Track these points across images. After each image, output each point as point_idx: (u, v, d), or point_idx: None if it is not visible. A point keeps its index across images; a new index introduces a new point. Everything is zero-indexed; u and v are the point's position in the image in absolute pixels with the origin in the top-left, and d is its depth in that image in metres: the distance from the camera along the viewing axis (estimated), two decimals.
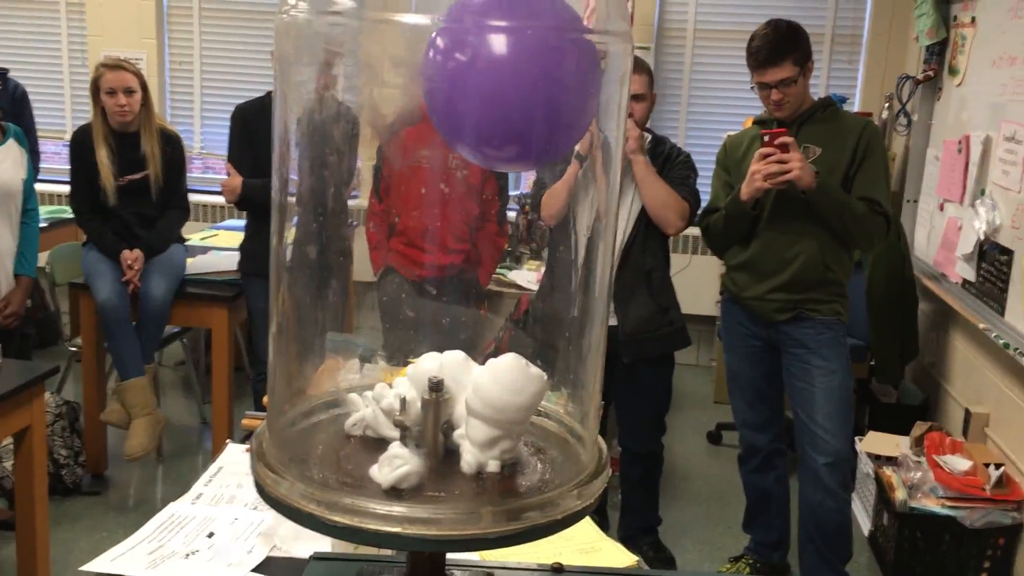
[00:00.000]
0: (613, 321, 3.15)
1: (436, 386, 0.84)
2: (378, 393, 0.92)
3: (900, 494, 3.34)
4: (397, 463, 0.80)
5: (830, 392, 2.91)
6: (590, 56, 0.92)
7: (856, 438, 3.76)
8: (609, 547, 1.63)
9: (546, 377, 0.89)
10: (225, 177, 3.62)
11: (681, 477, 4.19)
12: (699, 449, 4.56)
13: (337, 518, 0.62)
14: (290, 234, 1.03)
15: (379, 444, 0.85)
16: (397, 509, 0.62)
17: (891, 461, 3.63)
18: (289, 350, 0.81)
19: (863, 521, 3.69)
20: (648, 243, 3.12)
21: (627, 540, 3.42)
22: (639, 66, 3.03)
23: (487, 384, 0.88)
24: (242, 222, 4.15)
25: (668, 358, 3.28)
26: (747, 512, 3.36)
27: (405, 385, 0.93)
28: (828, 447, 2.90)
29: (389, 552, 1.39)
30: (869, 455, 3.69)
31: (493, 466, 0.85)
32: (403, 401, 0.86)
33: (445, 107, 0.93)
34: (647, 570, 0.86)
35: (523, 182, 4.15)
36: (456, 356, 0.92)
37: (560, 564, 0.82)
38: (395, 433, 0.87)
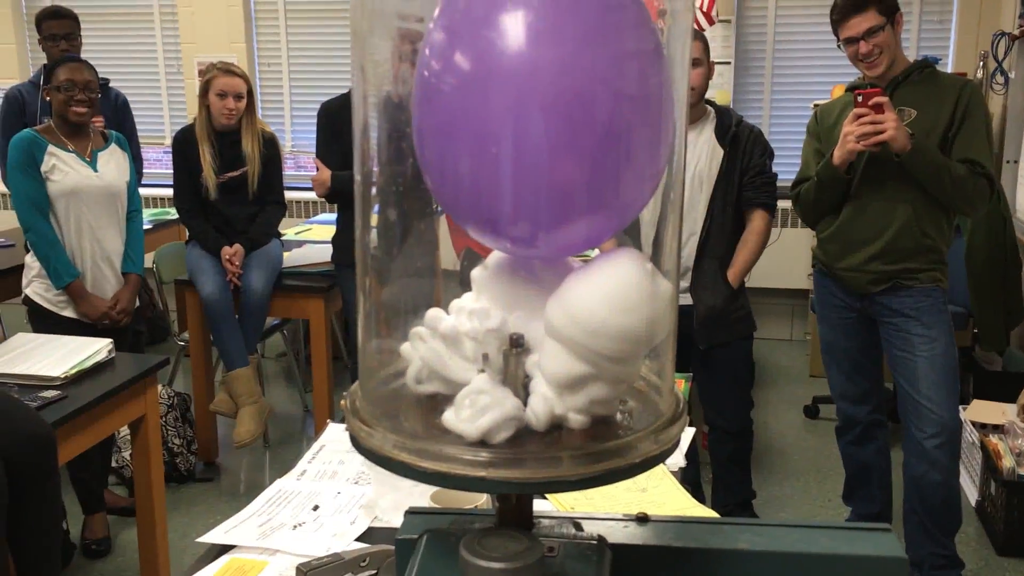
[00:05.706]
0: (688, 300, 3.14)
1: (517, 341, 0.69)
2: (432, 319, 0.73)
3: (1007, 462, 3.25)
4: (483, 401, 0.66)
5: (933, 361, 2.81)
6: (650, 35, 0.70)
7: (960, 407, 3.65)
8: (702, 513, 1.64)
9: (674, 293, 0.69)
10: (314, 172, 3.73)
11: (778, 452, 4.14)
12: (796, 423, 4.50)
13: (426, 464, 0.65)
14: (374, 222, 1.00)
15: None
16: (483, 454, 0.65)
17: (997, 429, 3.53)
18: (377, 331, 0.79)
19: (970, 491, 3.59)
20: (724, 228, 3.12)
21: (723, 516, 3.42)
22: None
23: (580, 291, 0.66)
24: (334, 216, 4.27)
25: (745, 336, 3.26)
26: (847, 484, 3.31)
27: (468, 297, 0.74)
28: (933, 418, 2.80)
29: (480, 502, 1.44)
30: (974, 424, 3.59)
31: (576, 421, 0.68)
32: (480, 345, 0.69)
33: (437, 163, 0.71)
34: (732, 518, 0.85)
35: None
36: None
37: (645, 514, 0.84)
38: (469, 372, 0.71)
